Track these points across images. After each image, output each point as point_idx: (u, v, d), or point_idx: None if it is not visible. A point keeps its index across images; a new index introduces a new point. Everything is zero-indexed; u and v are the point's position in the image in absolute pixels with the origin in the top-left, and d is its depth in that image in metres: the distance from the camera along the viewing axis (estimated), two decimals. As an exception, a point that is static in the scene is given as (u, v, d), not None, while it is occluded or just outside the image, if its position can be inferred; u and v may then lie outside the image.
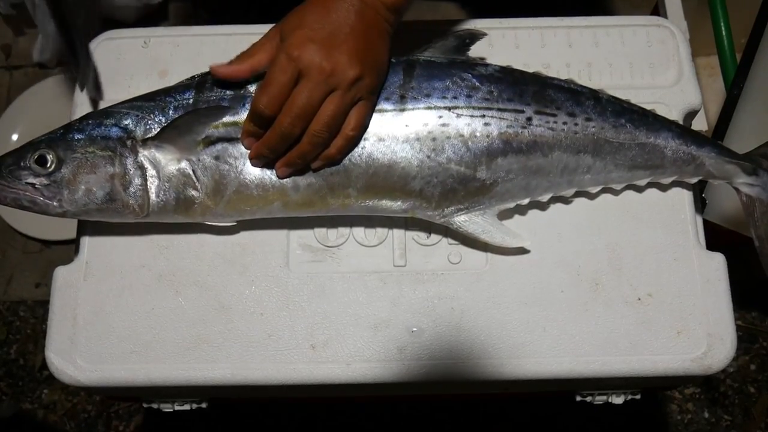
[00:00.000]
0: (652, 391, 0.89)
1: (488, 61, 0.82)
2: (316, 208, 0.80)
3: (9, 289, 1.61)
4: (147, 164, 0.77)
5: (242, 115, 0.77)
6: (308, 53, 0.71)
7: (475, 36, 0.83)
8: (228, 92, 0.78)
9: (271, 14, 0.82)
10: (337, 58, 0.71)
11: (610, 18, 0.92)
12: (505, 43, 0.90)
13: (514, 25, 0.91)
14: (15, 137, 1.68)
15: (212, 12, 1.79)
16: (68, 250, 0.85)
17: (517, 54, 0.89)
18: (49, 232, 1.59)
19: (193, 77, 0.80)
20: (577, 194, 0.83)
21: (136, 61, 0.90)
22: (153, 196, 0.77)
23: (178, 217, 0.79)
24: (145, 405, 0.87)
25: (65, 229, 1.52)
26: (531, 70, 0.84)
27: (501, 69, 0.81)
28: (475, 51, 0.83)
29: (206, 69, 0.80)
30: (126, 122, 0.78)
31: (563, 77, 0.83)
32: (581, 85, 0.82)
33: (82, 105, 0.89)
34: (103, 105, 0.88)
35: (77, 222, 0.84)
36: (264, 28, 0.93)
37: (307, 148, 0.75)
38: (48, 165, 0.76)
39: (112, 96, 0.88)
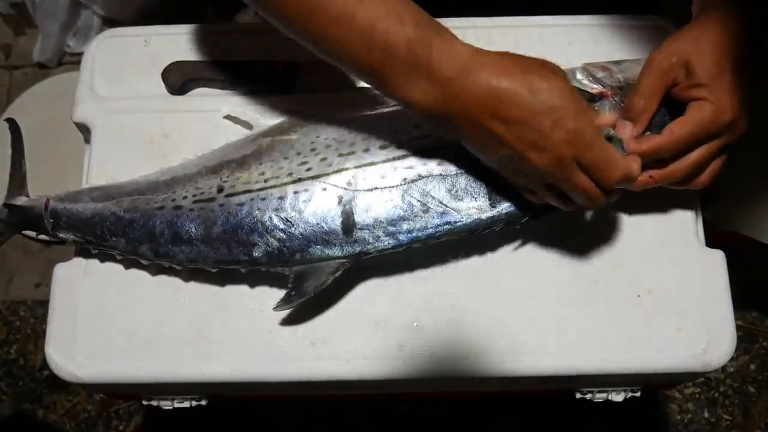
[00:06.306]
0: (652, 389, 0.89)
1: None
2: None
3: (9, 289, 1.61)
4: None
5: None
6: (737, 112, 0.70)
7: None
8: None
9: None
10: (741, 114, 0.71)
11: (609, 17, 0.92)
12: (505, 41, 0.89)
13: (514, 24, 0.91)
14: (15, 137, 1.68)
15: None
16: (68, 250, 0.85)
17: (517, 52, 0.89)
18: (49, 232, 1.59)
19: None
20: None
21: (137, 60, 0.90)
22: None
23: None
24: (144, 402, 0.87)
25: (65, 229, 1.52)
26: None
27: None
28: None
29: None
30: None
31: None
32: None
33: (82, 105, 0.89)
34: (103, 103, 0.88)
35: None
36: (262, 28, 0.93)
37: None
38: None
39: (113, 95, 0.88)
